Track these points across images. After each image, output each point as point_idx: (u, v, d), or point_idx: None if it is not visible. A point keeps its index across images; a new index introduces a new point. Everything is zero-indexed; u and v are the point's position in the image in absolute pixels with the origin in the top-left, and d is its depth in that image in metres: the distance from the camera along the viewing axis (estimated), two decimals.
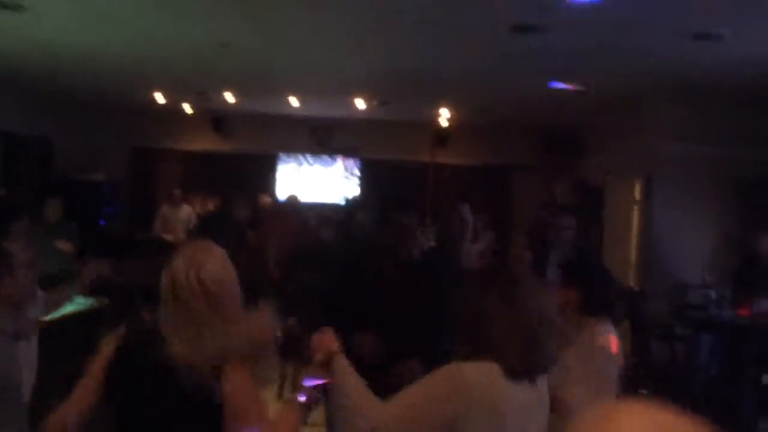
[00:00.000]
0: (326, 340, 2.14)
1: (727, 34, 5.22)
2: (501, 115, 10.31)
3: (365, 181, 11.68)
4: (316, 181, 11.67)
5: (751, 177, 7.46)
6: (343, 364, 2.09)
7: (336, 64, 7.39)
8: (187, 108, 11.13)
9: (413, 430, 1.95)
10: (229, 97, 9.82)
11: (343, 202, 10.70)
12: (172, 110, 11.13)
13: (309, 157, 11.86)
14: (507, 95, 8.70)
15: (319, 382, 2.14)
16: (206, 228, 8.57)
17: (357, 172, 11.85)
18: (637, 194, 8.35)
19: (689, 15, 4.93)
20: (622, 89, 7.74)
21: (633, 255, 8.32)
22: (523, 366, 1.99)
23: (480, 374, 1.96)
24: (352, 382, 2.06)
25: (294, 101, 9.95)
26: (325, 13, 5.36)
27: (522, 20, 5.24)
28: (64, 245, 6.39)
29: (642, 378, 5.62)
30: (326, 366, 2.10)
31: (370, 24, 5.61)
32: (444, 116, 10.73)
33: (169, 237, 9.48)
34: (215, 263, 2.19)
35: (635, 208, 8.41)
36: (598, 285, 2.97)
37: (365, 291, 3.47)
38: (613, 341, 2.86)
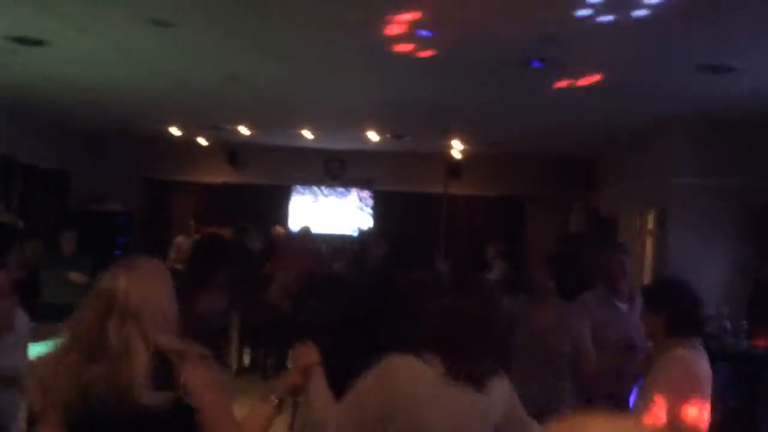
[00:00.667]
0: (308, 351, 2.30)
1: (737, 65, 5.25)
2: (513, 147, 10.36)
3: (378, 213, 11.72)
4: (330, 213, 11.73)
5: (762, 206, 7.44)
6: (319, 376, 2.25)
7: (349, 96, 7.47)
8: (202, 141, 11.27)
9: (357, 421, 2.12)
10: (244, 130, 9.94)
11: (356, 234, 10.73)
12: (188, 142, 11.27)
13: (323, 189, 11.93)
14: (519, 128, 8.75)
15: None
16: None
17: (370, 204, 11.89)
18: (651, 225, 8.33)
19: (700, 47, 4.98)
20: (634, 121, 7.78)
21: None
22: (453, 368, 2.08)
23: (409, 369, 2.10)
24: (322, 396, 2.23)
25: (307, 134, 10.05)
26: (337, 46, 5.44)
27: (531, 56, 5.30)
28: (76, 277, 6.48)
29: None
30: (304, 375, 2.26)
31: (382, 57, 5.69)
32: (457, 148, 10.79)
33: (182, 267, 9.51)
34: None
35: (649, 238, 8.38)
36: (683, 306, 2.98)
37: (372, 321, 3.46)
38: (694, 358, 2.85)
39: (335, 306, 4.04)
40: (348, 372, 2.73)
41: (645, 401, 2.73)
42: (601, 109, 7.26)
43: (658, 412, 2.65)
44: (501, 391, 2.21)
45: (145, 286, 2.03)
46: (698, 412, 2.72)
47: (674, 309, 2.90)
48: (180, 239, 10.10)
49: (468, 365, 2.11)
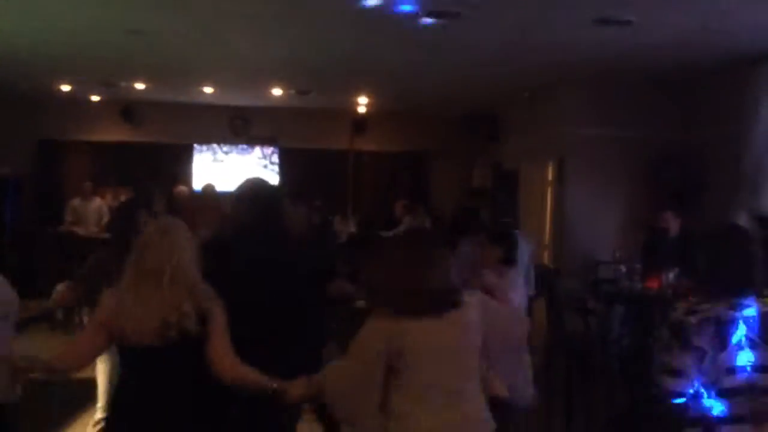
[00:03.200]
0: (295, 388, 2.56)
1: (633, 19, 5.42)
2: (418, 102, 10.41)
3: (284, 170, 11.58)
4: (234, 171, 11.48)
5: (657, 157, 7.80)
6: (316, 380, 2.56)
7: (253, 52, 7.28)
8: (95, 98, 10.75)
9: (368, 373, 2.44)
10: (140, 86, 9.54)
11: None
12: (79, 100, 10.73)
13: (225, 147, 11.66)
14: (423, 83, 8.79)
15: None
16: (123, 217, 8.33)
17: (276, 161, 11.73)
18: (550, 176, 8.60)
19: (597, 1, 5.10)
20: (534, 76, 7.95)
21: (547, 235, 8.57)
22: (408, 307, 2.43)
23: (383, 318, 2.45)
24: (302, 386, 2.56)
25: (209, 90, 9.76)
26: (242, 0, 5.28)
27: (436, 8, 5.30)
28: None
29: (558, 350, 5.81)
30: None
31: (287, 12, 5.57)
32: (362, 104, 10.75)
33: (80, 230, 9.16)
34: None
35: (549, 189, 8.66)
36: None
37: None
38: None
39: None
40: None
41: None
42: (502, 64, 7.37)
43: None
44: (473, 306, 2.58)
45: (182, 236, 2.70)
46: None
47: None
48: (76, 202, 9.69)
49: (413, 309, 2.46)
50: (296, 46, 6.97)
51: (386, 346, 2.40)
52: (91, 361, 2.91)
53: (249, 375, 2.58)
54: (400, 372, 2.42)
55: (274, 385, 2.54)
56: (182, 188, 9.22)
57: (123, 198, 9.62)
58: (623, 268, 6.20)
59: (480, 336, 2.57)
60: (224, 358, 2.58)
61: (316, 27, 6.09)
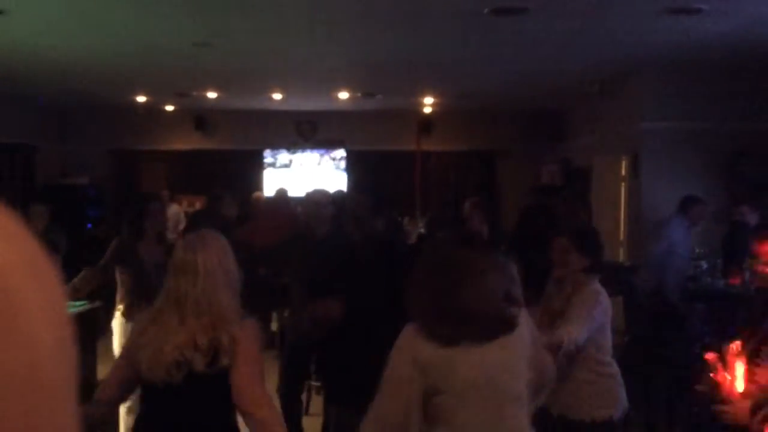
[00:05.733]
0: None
1: (705, 7, 5.25)
2: (483, 100, 10.34)
3: (352, 173, 11.67)
4: (304, 176, 11.63)
5: (734, 148, 7.54)
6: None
7: (317, 57, 7.36)
8: (169, 107, 11.07)
9: (404, 410, 2.08)
10: (211, 95, 9.78)
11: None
12: (153, 110, 11.07)
13: (295, 152, 11.82)
14: (488, 80, 8.72)
15: None
16: (195, 227, 8.55)
17: (343, 165, 11.83)
18: (623, 171, 8.41)
19: None
20: (604, 69, 7.78)
21: (622, 231, 8.39)
22: (450, 334, 2.06)
23: (424, 345, 2.08)
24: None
25: (277, 96, 9.92)
26: (305, 7, 5.34)
27: (501, 4, 5.25)
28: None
29: (638, 351, 5.66)
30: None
31: (350, 15, 5.60)
32: (427, 104, 10.74)
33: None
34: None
35: (622, 185, 8.47)
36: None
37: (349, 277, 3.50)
38: None
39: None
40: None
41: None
42: (569, 58, 7.24)
43: None
44: (524, 325, 2.19)
45: (214, 255, 2.42)
46: None
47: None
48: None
49: (454, 335, 2.09)
50: (361, 49, 7.02)
51: (419, 375, 2.07)
52: (129, 392, 2.60)
53: (270, 418, 2.30)
54: (438, 406, 2.10)
55: None
56: (258, 194, 9.40)
57: (198, 205, 9.90)
58: (704, 265, 6.01)
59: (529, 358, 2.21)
60: (245, 389, 2.29)
61: (380, 29, 6.11)
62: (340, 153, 11.83)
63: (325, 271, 3.64)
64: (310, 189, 5.02)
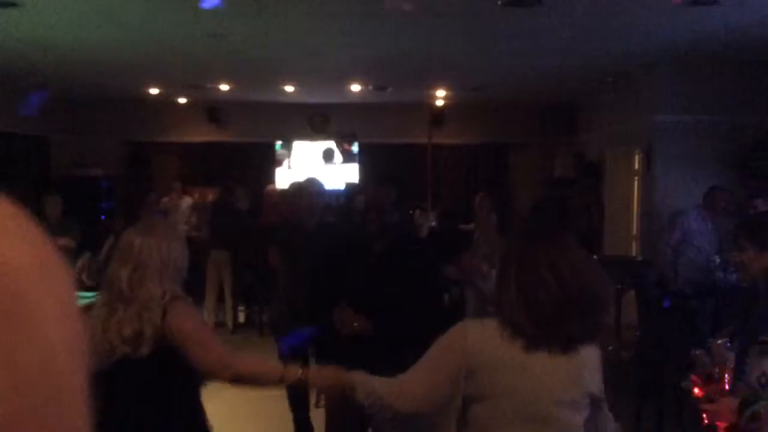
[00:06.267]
0: (326, 376, 2.26)
1: None
2: (496, 93, 10.30)
3: (364, 166, 11.68)
4: (315, 168, 11.64)
5: (748, 142, 7.48)
6: (357, 378, 2.13)
7: (330, 50, 7.36)
8: (182, 100, 11.10)
9: (431, 384, 2.01)
10: (224, 87, 9.80)
11: (342, 188, 10.69)
12: (167, 103, 11.10)
13: (307, 144, 11.84)
14: (501, 73, 8.69)
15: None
16: (208, 218, 8.60)
17: (356, 157, 11.83)
18: (637, 165, 8.37)
19: None
20: (618, 62, 7.73)
21: (635, 225, 8.35)
22: (535, 334, 1.93)
23: (482, 333, 1.99)
24: (375, 385, 2.09)
25: (290, 89, 9.93)
26: (317, 0, 5.34)
27: None
28: (63, 241, 6.41)
29: (651, 344, 5.65)
30: (340, 389, 2.17)
31: (361, 8, 5.59)
32: (439, 97, 10.72)
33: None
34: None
35: (636, 179, 8.43)
36: None
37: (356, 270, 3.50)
38: None
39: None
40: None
41: None
42: (582, 51, 7.20)
43: None
44: (593, 358, 2.02)
45: (156, 242, 2.44)
46: None
47: None
48: (166, 201, 10.04)
49: (555, 331, 1.95)
50: (373, 43, 7.01)
51: (455, 358, 1.97)
52: None
53: (255, 367, 2.43)
54: (475, 418, 1.99)
55: (299, 372, 2.32)
56: (272, 186, 9.43)
57: (210, 197, 9.94)
58: (717, 259, 5.97)
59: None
60: (215, 363, 2.34)
61: (392, 22, 6.09)
62: (351, 145, 11.84)
63: (331, 262, 3.64)
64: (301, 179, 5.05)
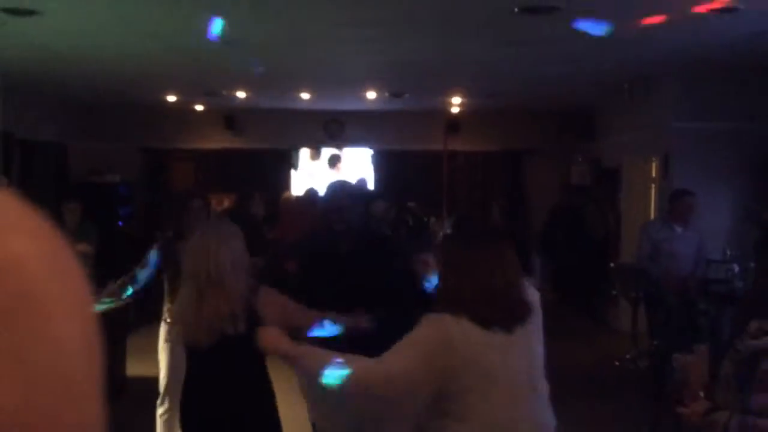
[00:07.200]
0: (273, 339, 2.42)
1: (739, 6, 5.17)
2: (512, 100, 10.29)
3: (379, 173, 11.68)
4: (330, 175, 11.66)
5: (765, 149, 7.41)
6: (308, 350, 2.40)
7: (346, 57, 7.38)
8: (199, 107, 11.18)
9: (409, 368, 2.17)
10: (241, 95, 9.86)
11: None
12: (184, 110, 11.17)
13: (323, 151, 11.87)
14: (517, 80, 8.67)
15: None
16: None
17: (371, 164, 11.84)
18: (654, 173, 8.31)
19: None
20: (635, 68, 7.70)
21: None
22: (494, 317, 2.23)
23: (459, 325, 2.21)
24: (332, 358, 2.24)
25: (306, 96, 9.97)
26: (334, 7, 5.36)
27: (531, 2, 5.22)
28: (82, 247, 6.45)
29: (664, 351, 5.60)
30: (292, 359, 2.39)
31: (378, 16, 5.61)
32: (455, 104, 10.71)
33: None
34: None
35: (653, 186, 8.37)
36: None
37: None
38: None
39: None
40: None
41: None
42: (598, 58, 7.18)
43: None
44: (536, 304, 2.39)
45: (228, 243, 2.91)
46: None
47: None
48: (214, 204, 10.10)
49: (498, 319, 2.27)
50: (389, 50, 7.02)
51: (443, 353, 2.18)
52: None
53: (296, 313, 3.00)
54: (452, 396, 2.18)
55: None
56: (288, 193, 9.46)
57: (226, 203, 9.99)
58: (736, 267, 5.91)
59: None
60: (272, 305, 2.91)
61: (408, 29, 6.10)
62: (367, 152, 11.86)
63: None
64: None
